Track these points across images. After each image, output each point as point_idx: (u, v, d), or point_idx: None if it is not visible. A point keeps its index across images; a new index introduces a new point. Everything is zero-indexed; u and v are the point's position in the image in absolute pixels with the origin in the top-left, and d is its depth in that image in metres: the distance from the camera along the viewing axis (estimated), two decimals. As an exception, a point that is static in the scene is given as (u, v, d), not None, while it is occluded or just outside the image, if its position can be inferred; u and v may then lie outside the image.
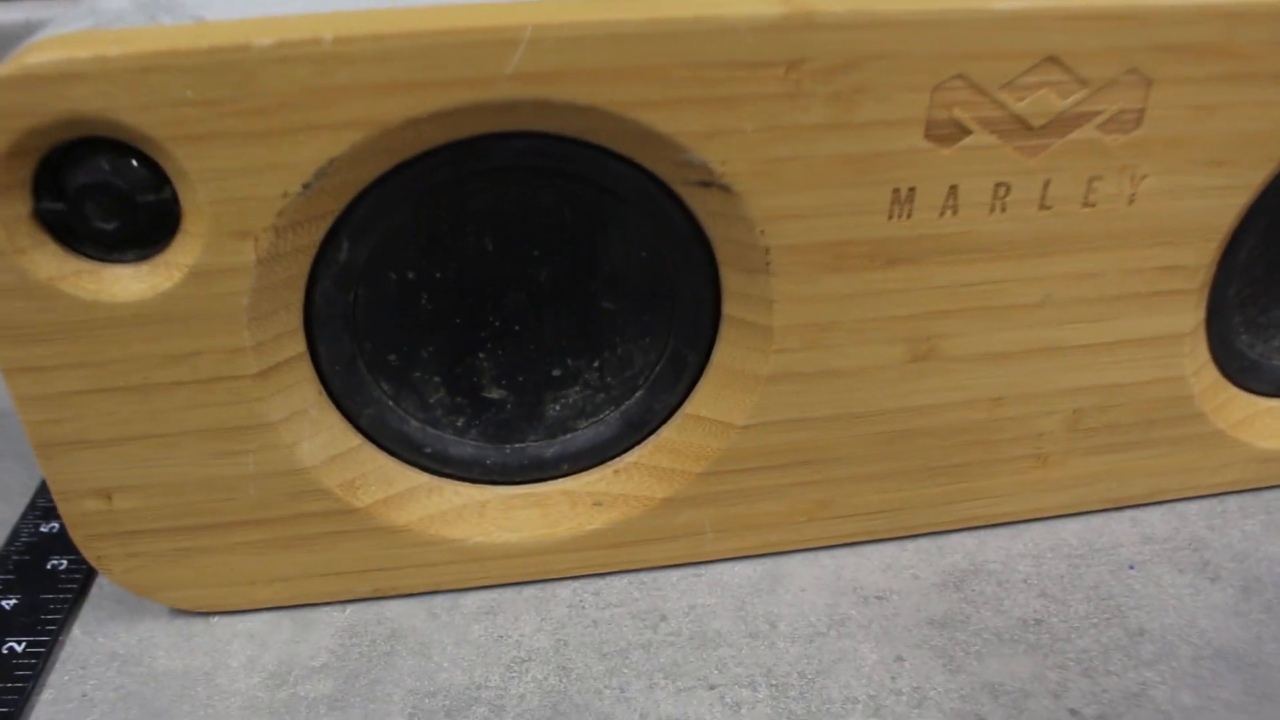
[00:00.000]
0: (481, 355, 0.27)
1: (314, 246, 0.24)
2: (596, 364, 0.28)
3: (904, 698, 0.26)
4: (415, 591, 0.30)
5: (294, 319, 0.25)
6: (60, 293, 0.23)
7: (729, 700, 0.26)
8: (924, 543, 0.32)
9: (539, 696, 0.26)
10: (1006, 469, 0.31)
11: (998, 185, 0.25)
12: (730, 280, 0.27)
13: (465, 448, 0.29)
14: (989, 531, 0.32)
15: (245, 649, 0.28)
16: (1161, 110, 0.25)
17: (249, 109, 0.21)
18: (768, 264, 0.25)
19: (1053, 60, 0.24)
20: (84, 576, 0.30)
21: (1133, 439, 0.31)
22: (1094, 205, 0.26)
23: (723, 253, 0.26)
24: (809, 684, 0.27)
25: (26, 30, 0.21)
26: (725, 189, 0.24)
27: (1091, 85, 0.24)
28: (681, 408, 0.29)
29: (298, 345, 0.26)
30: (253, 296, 0.23)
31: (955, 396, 0.29)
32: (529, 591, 0.30)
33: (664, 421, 0.29)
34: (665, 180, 0.25)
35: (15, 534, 0.32)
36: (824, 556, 0.31)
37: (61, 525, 0.32)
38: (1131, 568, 0.31)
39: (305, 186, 0.22)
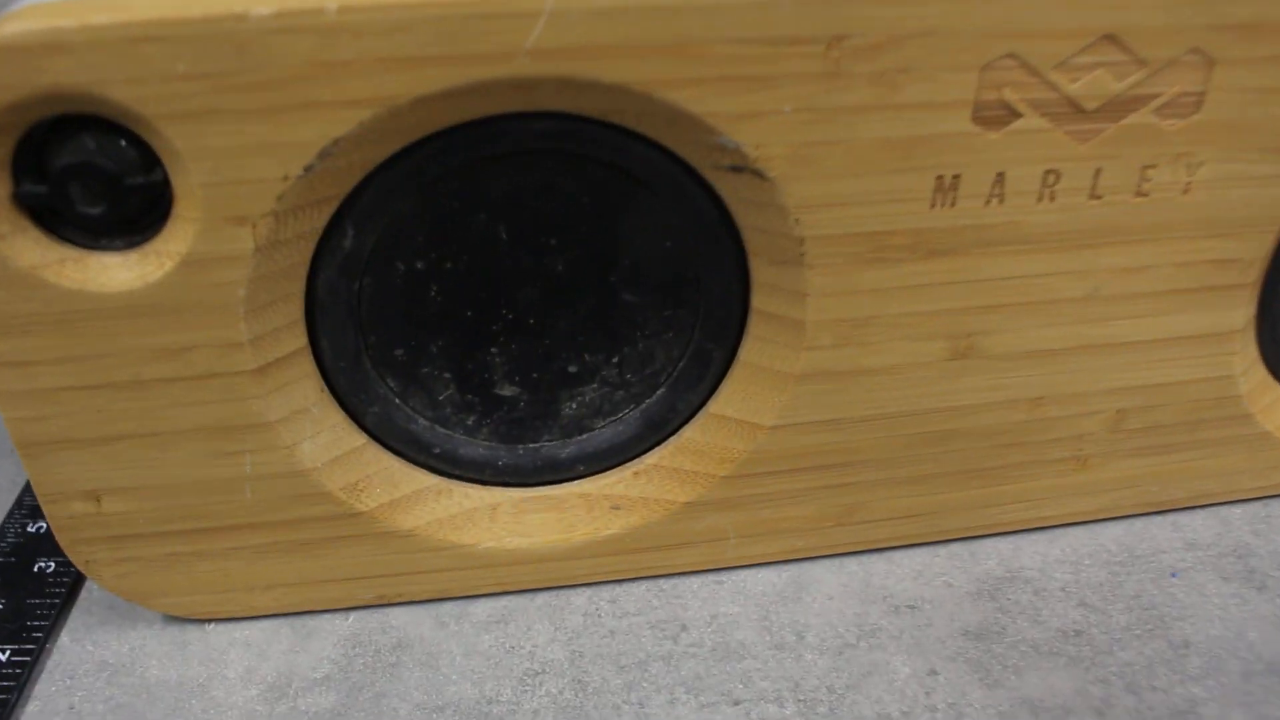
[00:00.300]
0: (494, 350, 0.27)
1: (316, 233, 0.24)
2: (616, 360, 0.28)
3: (939, 714, 0.26)
4: (422, 599, 0.29)
5: (294, 311, 0.25)
6: (43, 282, 0.22)
7: (754, 716, 0.26)
8: (956, 548, 0.31)
9: (553, 712, 0.26)
10: (1045, 471, 0.30)
11: (1047, 172, 0.25)
12: (760, 272, 0.26)
13: (476, 448, 0.28)
14: (1024, 536, 0.32)
15: (242, 659, 0.28)
16: (1223, 93, 0.25)
17: (246, 84, 0.21)
18: (802, 255, 0.25)
19: (1110, 39, 0.23)
20: (73, 580, 0.30)
21: (1176, 440, 0.31)
22: (1147, 195, 0.26)
23: (753, 243, 0.26)
24: (839, 699, 0.26)
25: None
26: (759, 174, 0.24)
27: (1150, 66, 0.24)
28: (705, 407, 0.29)
29: (298, 339, 0.25)
30: (250, 287, 0.23)
31: (995, 396, 0.28)
32: (542, 599, 0.30)
33: (686, 421, 0.29)
34: (693, 165, 0.24)
35: (0, 534, 0.32)
36: (851, 563, 0.31)
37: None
38: (1174, 575, 0.30)
39: (307, 169, 0.22)
